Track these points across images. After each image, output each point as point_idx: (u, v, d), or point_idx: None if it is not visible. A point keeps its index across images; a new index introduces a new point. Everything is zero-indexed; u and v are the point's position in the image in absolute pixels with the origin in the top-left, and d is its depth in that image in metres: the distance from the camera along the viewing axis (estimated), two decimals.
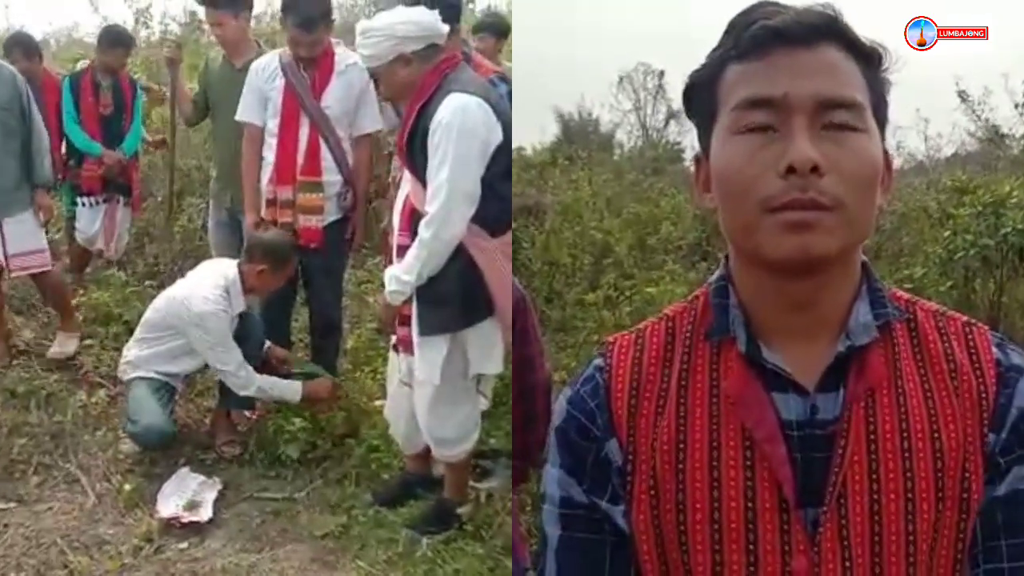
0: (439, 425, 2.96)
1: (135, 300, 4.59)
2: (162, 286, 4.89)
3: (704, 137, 1.04)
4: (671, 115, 20.61)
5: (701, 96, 1.03)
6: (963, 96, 7.60)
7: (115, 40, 5.14)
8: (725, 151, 0.98)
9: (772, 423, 0.98)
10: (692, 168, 1.11)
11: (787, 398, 0.99)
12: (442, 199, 2.64)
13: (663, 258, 5.95)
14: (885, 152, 1.00)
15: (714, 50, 1.03)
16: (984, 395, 1.00)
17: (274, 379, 3.61)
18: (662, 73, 20.82)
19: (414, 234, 2.77)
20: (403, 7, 2.77)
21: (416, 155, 2.75)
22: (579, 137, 15.14)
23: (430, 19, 2.76)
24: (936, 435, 0.98)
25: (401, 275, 2.75)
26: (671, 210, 7.16)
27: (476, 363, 2.89)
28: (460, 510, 3.11)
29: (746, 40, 0.97)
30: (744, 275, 1.04)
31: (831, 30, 0.97)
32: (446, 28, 2.80)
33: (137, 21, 8.69)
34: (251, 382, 3.53)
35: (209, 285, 3.54)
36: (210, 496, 3.36)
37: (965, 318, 1.07)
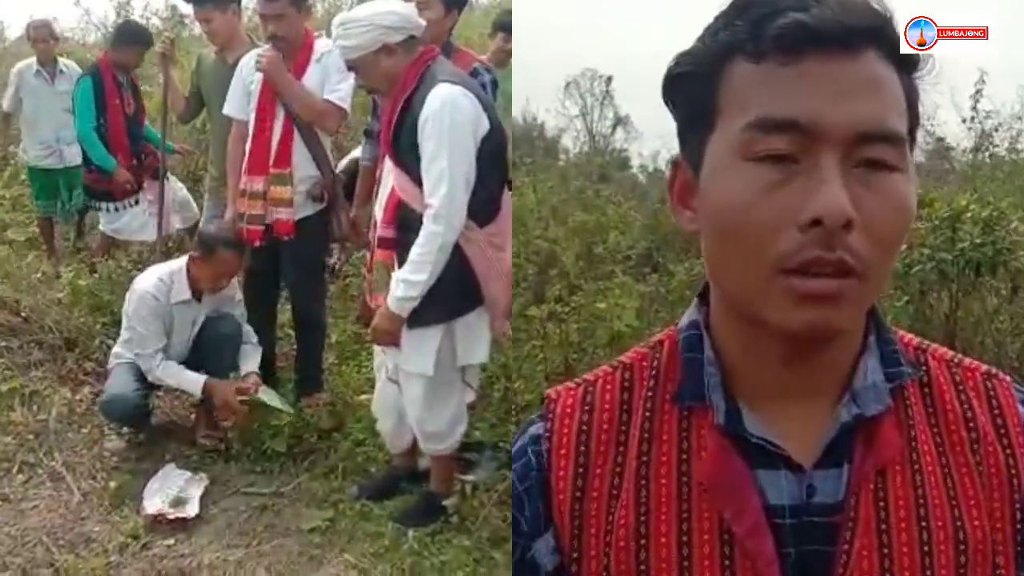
0: (430, 419, 2.96)
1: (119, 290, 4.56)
2: None
3: (691, 141, 0.83)
4: (618, 121, 20.58)
5: (693, 91, 0.82)
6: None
7: (134, 38, 5.10)
8: (728, 181, 0.78)
9: (756, 512, 0.80)
10: (667, 174, 0.90)
11: (777, 476, 0.81)
12: (446, 189, 2.63)
13: (611, 268, 5.78)
14: None
15: (713, 29, 0.81)
16: (1014, 469, 0.83)
17: (179, 369, 3.59)
18: (609, 79, 20.75)
19: (400, 227, 2.77)
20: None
21: (404, 147, 2.74)
22: (524, 142, 15.01)
23: (410, 11, 2.81)
24: (959, 523, 0.80)
25: (412, 276, 2.69)
26: (619, 219, 7.04)
27: (464, 353, 2.91)
28: (446, 502, 3.12)
29: (770, 37, 0.75)
30: (728, 324, 0.86)
31: (880, 33, 0.77)
32: (423, 22, 2.84)
33: (118, 15, 8.66)
34: (154, 368, 3.55)
35: (158, 270, 3.62)
36: (196, 492, 3.36)
37: (984, 368, 0.89)
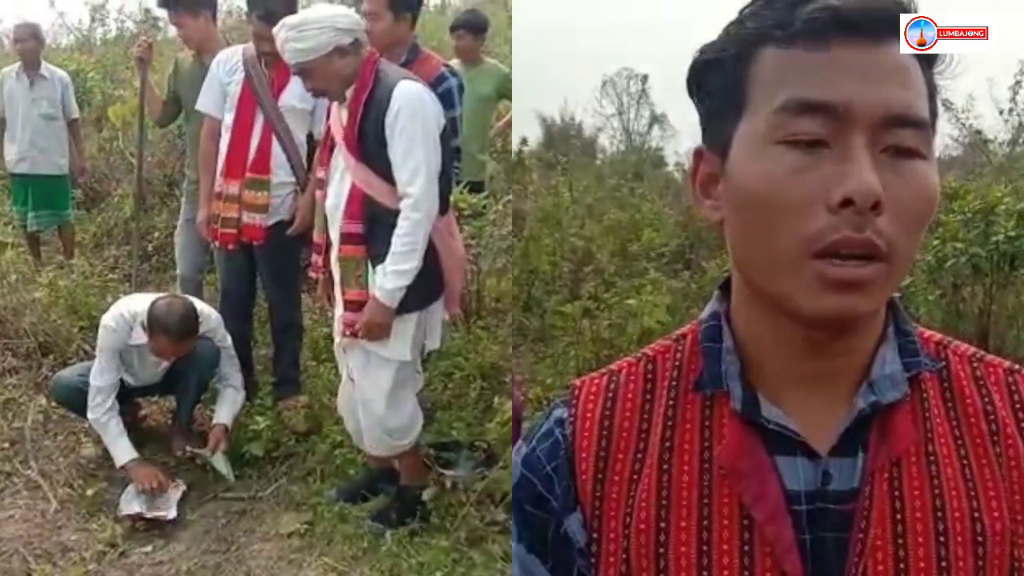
0: (395, 413, 2.97)
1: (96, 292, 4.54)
2: (126, 279, 4.87)
3: (718, 129, 0.84)
4: (654, 120, 20.60)
5: (723, 78, 0.83)
6: (947, 104, 7.55)
7: None
8: (758, 164, 0.79)
9: (775, 498, 0.81)
10: (689, 165, 0.93)
11: (794, 463, 0.82)
12: (423, 179, 2.71)
13: (645, 265, 5.84)
14: None
15: (740, 19, 0.84)
16: None
17: (116, 434, 3.40)
18: (645, 77, 20.80)
19: (367, 222, 2.79)
20: (327, 3, 2.88)
21: (369, 144, 2.77)
22: (560, 142, 15.00)
23: (356, 14, 2.89)
24: (976, 514, 0.80)
25: (401, 266, 2.75)
26: (653, 216, 7.09)
27: (430, 339, 3.01)
28: (424, 495, 3.13)
29: (801, 23, 0.78)
30: (749, 312, 0.87)
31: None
32: (365, 24, 2.91)
33: (93, 19, 8.63)
34: (98, 412, 3.40)
35: (125, 304, 3.52)
36: (174, 498, 3.35)
37: (1007, 364, 0.89)
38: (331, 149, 2.91)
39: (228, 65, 3.63)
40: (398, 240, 2.74)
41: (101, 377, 3.45)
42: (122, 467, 3.40)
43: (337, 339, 3.06)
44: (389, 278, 2.76)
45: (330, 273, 2.98)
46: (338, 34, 2.75)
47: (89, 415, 3.45)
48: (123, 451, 3.41)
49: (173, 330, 3.33)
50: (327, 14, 2.79)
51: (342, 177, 2.86)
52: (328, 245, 2.97)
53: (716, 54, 0.84)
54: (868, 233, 0.75)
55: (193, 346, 3.47)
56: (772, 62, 0.80)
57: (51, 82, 5.47)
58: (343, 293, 2.89)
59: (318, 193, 3.03)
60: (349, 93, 2.81)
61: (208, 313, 3.59)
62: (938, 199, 0.80)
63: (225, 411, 3.60)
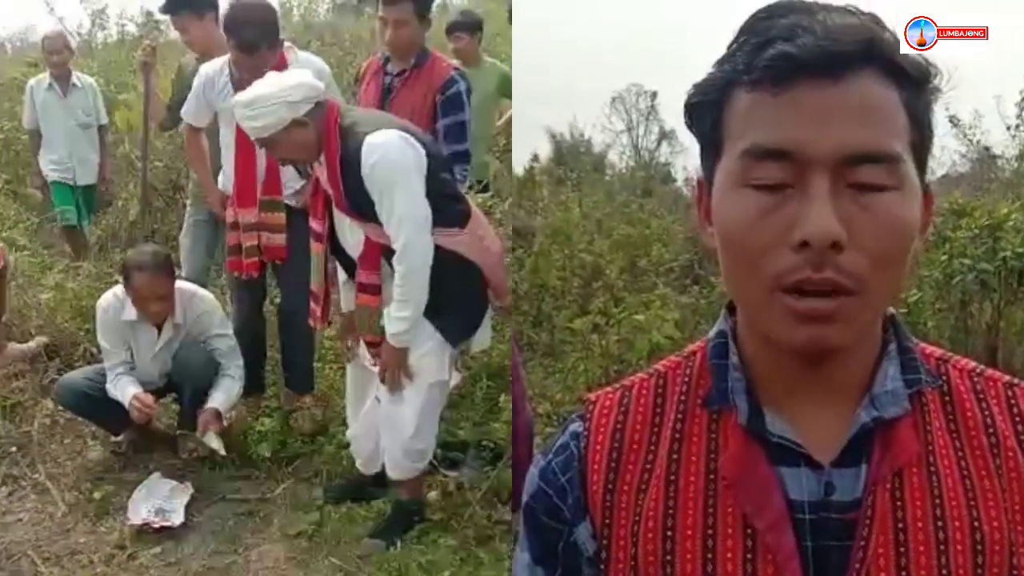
0: (422, 435, 2.95)
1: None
2: None
3: (708, 164, 0.88)
4: (663, 136, 20.58)
5: (704, 119, 0.87)
6: (954, 121, 7.49)
7: None
8: (727, 206, 0.83)
9: (777, 508, 0.83)
10: (692, 193, 0.95)
11: (798, 474, 0.84)
12: (406, 232, 2.70)
13: (654, 281, 5.84)
14: (926, 189, 0.84)
15: (720, 60, 0.86)
16: None
17: (124, 384, 3.49)
18: (654, 94, 20.72)
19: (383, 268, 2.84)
20: (276, 73, 2.84)
21: (360, 203, 2.75)
22: (570, 157, 15.01)
23: (311, 79, 2.82)
24: (976, 524, 0.82)
25: (401, 313, 2.77)
26: (662, 232, 7.07)
27: (477, 342, 3.05)
28: (430, 495, 3.13)
29: (760, 68, 0.79)
30: (749, 335, 0.90)
31: (870, 54, 0.79)
32: (323, 85, 2.86)
33: (94, 23, 8.63)
34: (109, 382, 3.51)
35: (121, 287, 3.56)
36: (182, 501, 3.35)
37: (1007, 378, 0.91)
38: (325, 199, 2.89)
39: (217, 85, 3.55)
40: (396, 289, 2.77)
41: (109, 359, 3.51)
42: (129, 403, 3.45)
43: (368, 364, 3.04)
44: (393, 323, 2.79)
45: (349, 316, 3.06)
46: (291, 108, 2.70)
47: (107, 386, 3.51)
48: (128, 393, 3.46)
49: (147, 264, 3.38)
50: (277, 89, 2.72)
51: (351, 229, 2.87)
52: (328, 294, 3.06)
53: (699, 97, 0.87)
54: (828, 273, 0.77)
55: (172, 289, 3.47)
56: (740, 104, 0.82)
57: (83, 90, 5.51)
58: (363, 336, 2.95)
59: (315, 245, 3.01)
60: (323, 158, 2.77)
61: (204, 295, 3.63)
62: (911, 227, 0.81)
63: (219, 397, 3.55)
